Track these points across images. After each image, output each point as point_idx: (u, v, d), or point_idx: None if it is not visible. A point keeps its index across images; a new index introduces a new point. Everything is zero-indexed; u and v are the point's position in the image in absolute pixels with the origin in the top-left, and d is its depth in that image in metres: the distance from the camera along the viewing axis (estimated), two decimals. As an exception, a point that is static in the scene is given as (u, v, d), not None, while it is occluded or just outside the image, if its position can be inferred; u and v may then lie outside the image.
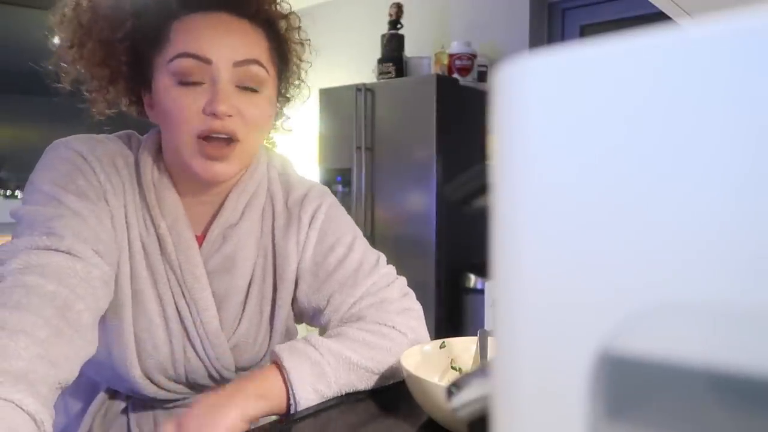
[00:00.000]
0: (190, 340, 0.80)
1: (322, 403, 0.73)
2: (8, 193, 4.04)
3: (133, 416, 0.85)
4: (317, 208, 0.87)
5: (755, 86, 0.15)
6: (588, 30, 2.79)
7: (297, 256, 0.85)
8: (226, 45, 0.73)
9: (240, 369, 0.86)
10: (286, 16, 0.85)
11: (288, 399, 0.72)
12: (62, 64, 0.79)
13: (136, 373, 0.78)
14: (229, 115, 0.73)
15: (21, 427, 0.50)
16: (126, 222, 0.76)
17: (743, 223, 0.15)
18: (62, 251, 0.65)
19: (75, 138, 0.78)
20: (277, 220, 0.86)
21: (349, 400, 0.75)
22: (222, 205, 0.83)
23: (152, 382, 0.80)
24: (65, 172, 0.73)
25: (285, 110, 0.95)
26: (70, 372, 0.59)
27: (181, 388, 0.84)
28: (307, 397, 0.72)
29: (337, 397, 0.75)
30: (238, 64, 0.74)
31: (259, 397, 0.71)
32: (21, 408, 0.51)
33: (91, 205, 0.72)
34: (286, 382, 0.72)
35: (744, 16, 0.15)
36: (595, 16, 2.75)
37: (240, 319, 0.83)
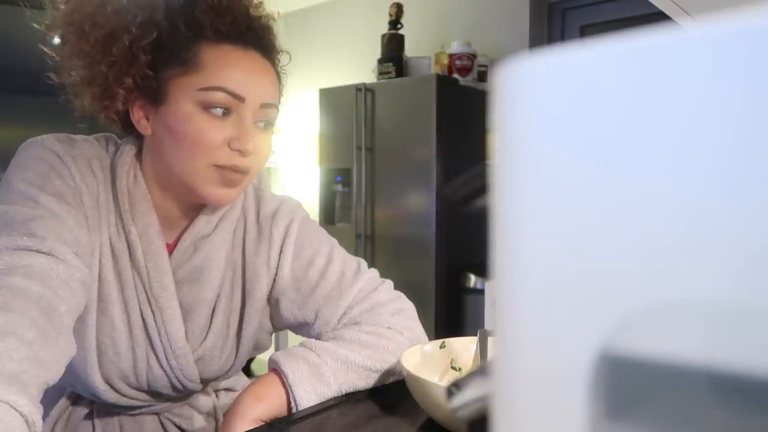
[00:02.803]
0: (153, 349, 0.79)
1: (322, 403, 0.73)
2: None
3: (98, 422, 0.84)
4: (289, 223, 0.86)
5: (755, 86, 0.15)
6: (588, 30, 2.78)
7: (269, 273, 0.84)
8: (258, 86, 0.75)
9: (204, 381, 0.85)
10: (280, 52, 0.86)
11: (288, 401, 0.72)
12: (61, 58, 0.76)
13: (96, 379, 0.77)
14: (254, 153, 0.75)
15: (17, 429, 0.50)
16: (98, 224, 0.75)
17: (743, 222, 0.15)
18: (44, 253, 0.64)
19: (50, 136, 0.76)
20: (248, 235, 0.85)
21: (348, 400, 0.75)
22: (196, 215, 0.82)
23: (113, 388, 0.79)
24: (41, 171, 0.72)
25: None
26: (56, 373, 0.59)
27: (143, 396, 0.82)
28: (307, 397, 0.72)
29: (337, 397, 0.75)
30: (263, 105, 0.76)
31: (259, 400, 0.71)
32: (15, 409, 0.51)
33: (68, 206, 0.71)
34: (285, 385, 0.73)
35: (744, 16, 0.15)
36: (595, 16, 2.75)
37: (207, 332, 0.82)
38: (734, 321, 0.15)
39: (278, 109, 0.80)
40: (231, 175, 0.74)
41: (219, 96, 0.72)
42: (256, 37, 0.78)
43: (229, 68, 0.74)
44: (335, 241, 0.90)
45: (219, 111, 0.73)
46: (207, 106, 0.72)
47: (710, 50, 0.16)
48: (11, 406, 0.50)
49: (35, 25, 0.77)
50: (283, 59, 0.85)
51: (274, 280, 0.85)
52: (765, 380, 0.14)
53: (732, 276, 0.15)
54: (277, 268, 0.84)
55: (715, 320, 0.16)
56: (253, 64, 0.76)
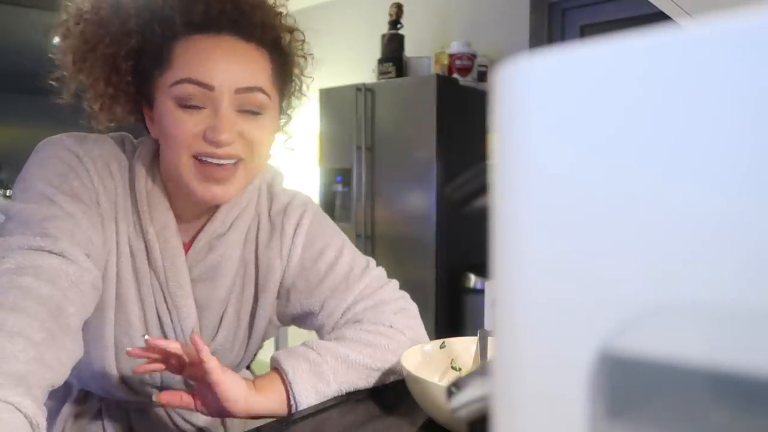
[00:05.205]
0: None
1: (322, 403, 0.73)
2: (8, 193, 4.03)
3: (107, 417, 0.85)
4: (301, 216, 0.86)
5: (755, 86, 0.15)
6: (588, 30, 2.78)
7: (281, 266, 0.85)
8: (229, 71, 0.72)
9: None
10: (291, 31, 0.83)
11: (288, 400, 0.72)
12: (65, 74, 0.78)
13: (113, 376, 0.78)
14: (232, 143, 0.72)
15: (20, 430, 0.50)
16: (116, 225, 0.76)
17: (743, 222, 0.15)
18: (55, 253, 0.65)
19: (69, 136, 0.77)
20: (261, 231, 0.86)
21: (348, 399, 0.75)
22: (212, 215, 0.82)
23: (127, 385, 0.80)
24: (59, 171, 0.72)
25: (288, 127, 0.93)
26: (61, 375, 0.59)
27: (154, 392, 0.83)
28: (307, 395, 0.72)
29: (337, 397, 0.75)
30: (240, 90, 0.72)
31: (259, 390, 0.72)
32: (19, 410, 0.51)
33: (83, 207, 0.71)
34: (285, 383, 0.73)
35: (744, 16, 0.15)
36: (595, 16, 2.75)
37: (218, 328, 0.84)
38: (734, 321, 0.15)
39: (267, 93, 0.75)
40: (213, 169, 0.72)
41: (188, 88, 0.71)
42: (229, 21, 0.75)
43: (195, 58, 0.72)
44: (346, 237, 0.91)
45: (191, 104, 0.71)
46: (181, 101, 0.72)
47: (710, 50, 0.16)
48: (16, 407, 0.51)
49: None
50: (288, 21, 0.83)
51: (285, 270, 0.85)
52: (765, 380, 0.14)
53: (732, 277, 0.15)
54: (288, 258, 0.85)
55: (715, 321, 0.16)
56: (223, 49, 0.73)
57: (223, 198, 0.75)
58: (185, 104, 0.72)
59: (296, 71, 0.86)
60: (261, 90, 0.74)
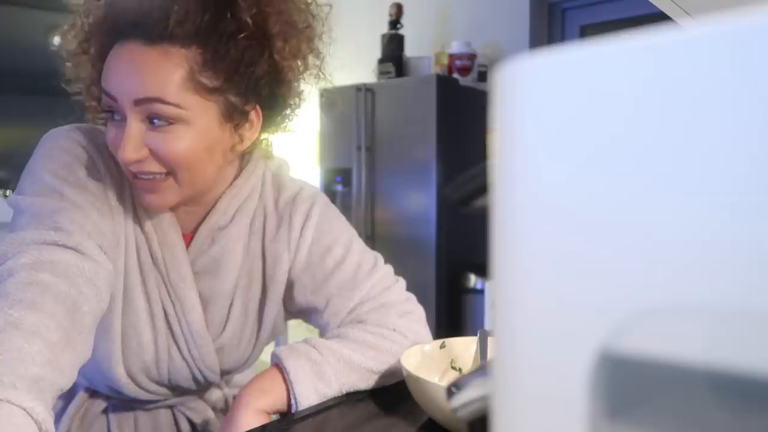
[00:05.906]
0: (175, 339, 0.80)
1: (322, 403, 0.73)
2: (8, 193, 4.03)
3: (113, 417, 0.84)
4: (310, 207, 0.85)
5: (755, 86, 0.15)
6: (588, 30, 2.79)
7: (289, 258, 0.84)
8: (126, 82, 0.67)
9: (224, 372, 0.86)
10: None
11: (289, 398, 0.72)
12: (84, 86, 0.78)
13: (119, 371, 0.77)
14: (140, 159, 0.68)
15: None
16: (123, 216, 0.76)
17: (743, 223, 0.15)
18: (70, 248, 0.64)
19: (74, 128, 0.77)
20: (267, 223, 0.84)
21: (349, 400, 0.75)
22: (213, 207, 0.81)
23: (134, 382, 0.80)
24: (66, 162, 0.72)
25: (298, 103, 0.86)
26: (71, 379, 0.58)
27: (162, 390, 0.83)
28: (308, 396, 0.72)
29: (337, 397, 0.75)
30: (137, 102, 0.67)
31: (262, 392, 0.72)
32: (31, 416, 0.51)
33: (92, 198, 0.71)
34: (286, 381, 0.73)
35: (744, 16, 0.15)
36: (595, 16, 2.75)
37: (226, 322, 0.83)
38: (734, 321, 0.15)
39: (172, 102, 0.67)
40: (139, 181, 0.71)
41: (105, 98, 0.69)
42: (134, 25, 0.68)
43: (107, 67, 0.69)
44: (354, 232, 0.89)
45: (114, 116, 0.70)
46: (109, 113, 0.71)
47: (710, 50, 0.16)
48: (27, 412, 0.50)
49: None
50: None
51: (291, 264, 0.84)
52: (765, 380, 0.14)
53: (732, 277, 0.15)
54: (296, 250, 0.84)
55: (715, 321, 0.16)
56: (126, 57, 0.68)
57: (159, 207, 0.73)
58: (112, 116, 0.70)
59: (284, 45, 0.74)
60: (160, 101, 0.66)
